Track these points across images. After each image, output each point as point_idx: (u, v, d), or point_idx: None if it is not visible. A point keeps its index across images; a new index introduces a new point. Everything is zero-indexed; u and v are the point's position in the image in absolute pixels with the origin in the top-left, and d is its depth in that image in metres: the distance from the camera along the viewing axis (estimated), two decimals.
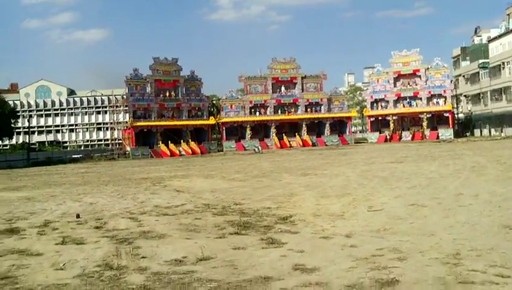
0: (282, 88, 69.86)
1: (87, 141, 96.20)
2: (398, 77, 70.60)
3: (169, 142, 60.54)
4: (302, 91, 69.76)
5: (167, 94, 64.13)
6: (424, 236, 8.99)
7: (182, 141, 61.88)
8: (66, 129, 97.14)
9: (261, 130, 68.15)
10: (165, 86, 64.52)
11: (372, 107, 71.69)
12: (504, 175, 18.23)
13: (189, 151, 60.35)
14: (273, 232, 9.94)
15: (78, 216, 12.95)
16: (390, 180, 18.64)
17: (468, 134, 73.19)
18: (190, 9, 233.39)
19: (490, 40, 74.09)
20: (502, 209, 11.17)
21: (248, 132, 66.41)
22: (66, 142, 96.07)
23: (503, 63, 67.70)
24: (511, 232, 8.89)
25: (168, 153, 58.94)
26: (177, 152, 59.64)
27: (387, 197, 14.22)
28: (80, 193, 19.78)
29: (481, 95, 74.26)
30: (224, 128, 66.77)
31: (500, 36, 71.25)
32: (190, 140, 62.60)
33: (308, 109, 69.48)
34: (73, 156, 61.32)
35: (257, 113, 68.39)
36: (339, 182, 18.84)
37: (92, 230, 11.07)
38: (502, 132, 64.00)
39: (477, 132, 73.38)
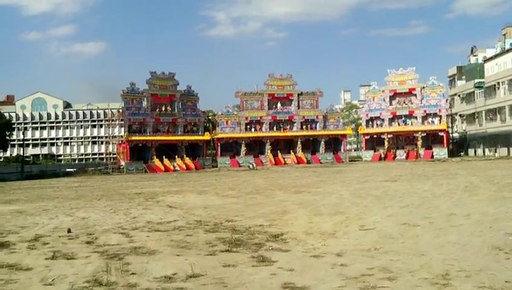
0: (279, 104, 70.07)
1: (82, 154, 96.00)
2: (394, 95, 70.90)
3: (164, 157, 60.52)
4: (298, 108, 69.99)
5: (163, 109, 64.27)
6: (414, 256, 9.00)
7: (176, 156, 61.89)
8: (61, 142, 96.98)
9: (256, 147, 68.21)
10: (161, 100, 64.70)
11: (367, 125, 71.93)
12: (496, 195, 18.30)
13: (184, 166, 60.29)
14: (264, 250, 9.93)
15: (69, 231, 12.91)
16: (383, 199, 18.66)
17: (462, 153, 73.41)
18: (188, 24, 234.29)
19: (486, 60, 74.64)
20: (492, 230, 11.19)
21: (243, 148, 66.46)
22: (60, 155, 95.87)
23: (498, 83, 68.13)
24: (500, 253, 8.91)
25: (163, 168, 58.88)
26: (172, 167, 59.61)
27: (379, 216, 14.23)
28: (72, 207, 19.72)
29: (476, 115, 74.59)
30: (219, 144, 66.80)
31: (495, 56, 71.84)
32: (185, 155, 62.58)
33: (304, 126, 69.65)
34: (68, 169, 61.16)
35: (252, 129, 68.50)
36: (332, 200, 18.85)
37: (83, 245, 11.03)
38: (495, 152, 64.25)
39: (471, 151, 73.61)
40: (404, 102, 70.42)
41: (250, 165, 56.52)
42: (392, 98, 70.93)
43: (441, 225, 12.21)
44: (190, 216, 15.60)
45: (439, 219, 13.18)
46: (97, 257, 9.70)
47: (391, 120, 70.30)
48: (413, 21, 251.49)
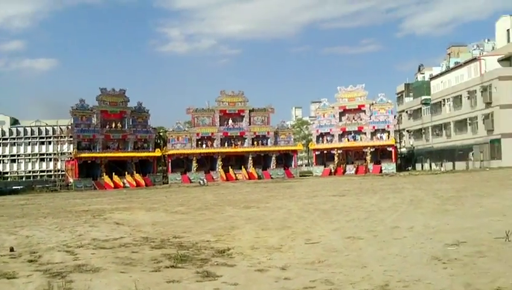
0: (230, 121, 70.19)
1: (30, 172, 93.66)
2: (344, 111, 71.90)
3: (114, 174, 59.77)
4: (250, 124, 70.25)
5: (113, 125, 63.62)
6: (356, 268, 9.18)
7: (126, 173, 61.23)
8: (8, 160, 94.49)
9: (207, 163, 68.12)
10: (111, 117, 64.03)
11: (317, 141, 72.67)
12: (439, 208, 18.78)
13: (134, 183, 59.68)
14: (209, 265, 9.95)
15: (12, 249, 12.64)
16: (331, 213, 18.91)
17: (410, 168, 74.92)
18: (140, 41, 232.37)
19: (432, 78, 76.77)
20: (433, 242, 11.50)
21: (194, 165, 66.26)
22: (7, 173, 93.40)
23: (444, 100, 70.10)
24: (439, 264, 9.18)
25: (112, 185, 58.15)
26: (121, 184, 58.89)
27: (325, 230, 14.43)
28: (17, 225, 19.29)
29: (423, 131, 76.44)
30: (170, 160, 66.41)
31: (441, 74, 74.03)
32: (135, 172, 61.99)
33: (255, 142, 69.93)
34: (14, 187, 59.64)
35: (204, 145, 68.42)
36: (280, 215, 18.99)
37: (26, 264, 10.82)
38: (441, 166, 65.81)
39: (418, 166, 75.29)
40: (354, 118, 71.51)
41: (201, 181, 56.25)
42: (341, 114, 71.92)
43: (385, 238, 12.47)
44: (137, 233, 15.48)
45: (383, 232, 13.45)
46: (39, 275, 9.53)
47: (341, 136, 71.25)
48: (364, 39, 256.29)
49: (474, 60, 64.91)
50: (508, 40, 65.09)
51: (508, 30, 65.84)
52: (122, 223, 18.48)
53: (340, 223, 15.88)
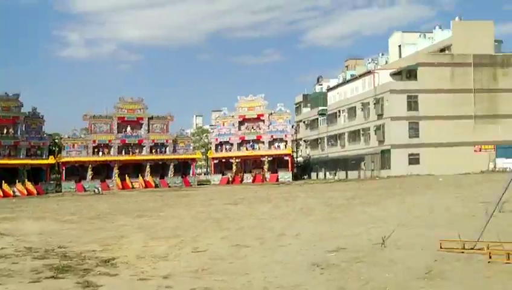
0: (128, 128, 68.99)
1: None
2: (243, 120, 72.51)
3: (3, 182, 57.12)
4: (148, 132, 69.38)
5: (5, 131, 60.75)
6: (238, 275, 9.38)
7: (17, 181, 58.69)
8: None
9: (103, 171, 66.50)
10: (3, 122, 61.05)
11: (216, 150, 72.85)
12: (328, 216, 19.41)
13: (25, 192, 57.23)
14: (91, 275, 9.82)
15: None
16: (222, 221, 19.09)
17: (306, 177, 76.64)
18: (37, 44, 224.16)
19: (329, 89, 79.14)
20: (316, 248, 11.91)
21: (89, 173, 64.50)
22: None
23: (339, 111, 72.38)
24: (317, 269, 9.55)
25: (1, 193, 55.54)
26: (11, 193, 56.33)
27: (214, 238, 14.57)
28: None
29: (319, 140, 78.56)
30: (64, 168, 64.26)
31: (338, 86, 76.49)
32: (26, 180, 59.52)
33: (153, 150, 69.16)
34: None
35: (100, 153, 66.81)
36: (172, 224, 18.97)
37: None
38: (335, 175, 67.92)
39: (314, 174, 77.16)
40: (253, 127, 72.29)
41: (96, 190, 54.92)
42: (241, 123, 72.52)
43: (271, 245, 12.77)
44: (21, 243, 14.94)
45: (270, 240, 13.76)
46: None
47: (240, 145, 71.76)
48: (267, 50, 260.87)
49: (368, 73, 67.54)
50: (400, 55, 68.38)
51: (399, 46, 69.20)
52: (6, 234, 17.72)
53: (229, 231, 16.09)
